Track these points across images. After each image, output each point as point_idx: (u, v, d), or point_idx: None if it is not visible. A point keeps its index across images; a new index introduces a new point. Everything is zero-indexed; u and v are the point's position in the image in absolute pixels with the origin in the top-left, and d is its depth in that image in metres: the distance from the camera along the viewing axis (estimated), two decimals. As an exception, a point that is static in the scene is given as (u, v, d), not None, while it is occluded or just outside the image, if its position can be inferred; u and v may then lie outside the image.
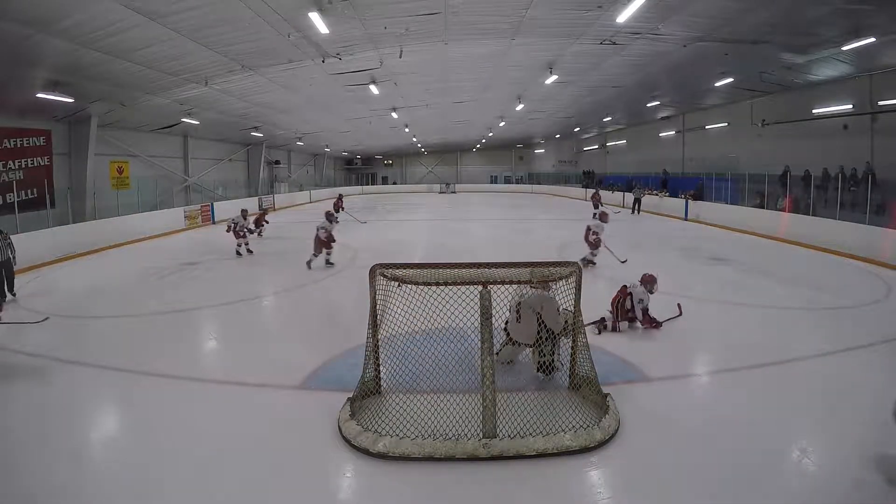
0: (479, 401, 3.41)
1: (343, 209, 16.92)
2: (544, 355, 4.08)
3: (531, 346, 4.15)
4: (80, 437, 3.56)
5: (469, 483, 2.97)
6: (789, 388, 4.17)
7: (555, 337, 4.06)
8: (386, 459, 3.14)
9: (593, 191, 21.42)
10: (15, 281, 7.62)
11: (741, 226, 14.03)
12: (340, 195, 17.97)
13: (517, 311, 4.10)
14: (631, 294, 5.54)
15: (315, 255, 9.37)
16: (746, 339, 5.38)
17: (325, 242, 9.33)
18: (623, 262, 8.66)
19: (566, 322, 4.07)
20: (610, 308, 5.59)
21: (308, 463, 3.19)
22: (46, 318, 6.15)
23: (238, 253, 10.89)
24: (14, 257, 7.62)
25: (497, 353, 4.34)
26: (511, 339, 4.32)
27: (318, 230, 9.31)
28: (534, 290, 4.01)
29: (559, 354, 4.19)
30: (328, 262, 9.52)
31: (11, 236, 7.74)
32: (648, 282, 5.63)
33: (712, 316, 6.37)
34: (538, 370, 4.17)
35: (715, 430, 3.47)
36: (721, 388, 4.31)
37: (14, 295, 7.51)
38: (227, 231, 10.93)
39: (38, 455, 3.27)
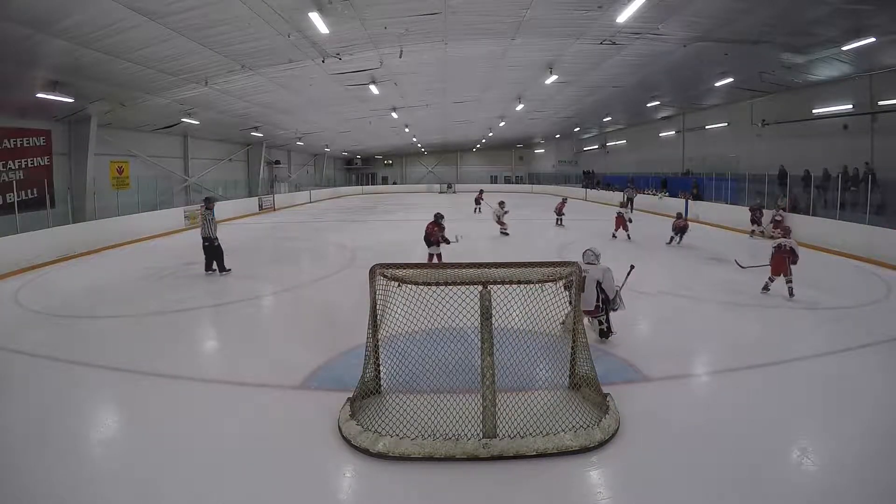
0: (479, 401, 3.41)
1: (483, 200, 20.51)
2: (602, 323, 5.10)
3: (590, 313, 5.04)
4: (79, 437, 3.56)
5: (469, 483, 2.96)
6: (789, 388, 4.17)
7: (608, 303, 5.10)
8: (386, 459, 3.14)
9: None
10: (224, 259, 8.85)
11: (741, 225, 14.03)
12: (481, 190, 22.35)
13: (583, 283, 4.57)
14: (792, 248, 6.93)
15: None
16: (746, 339, 5.39)
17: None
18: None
19: (617, 290, 5.18)
20: (775, 274, 7.04)
21: (308, 463, 3.19)
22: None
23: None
24: (216, 237, 8.74)
25: (562, 322, 4.87)
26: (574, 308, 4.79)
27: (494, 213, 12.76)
28: (590, 265, 5.11)
29: (611, 323, 5.18)
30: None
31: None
32: (789, 231, 7.94)
33: (712, 316, 6.37)
34: (599, 336, 5.13)
35: (715, 430, 3.47)
36: (721, 388, 4.31)
37: (227, 270, 8.82)
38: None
39: (38, 455, 3.26)
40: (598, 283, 5.04)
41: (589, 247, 5.43)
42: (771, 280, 7.18)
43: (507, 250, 11.24)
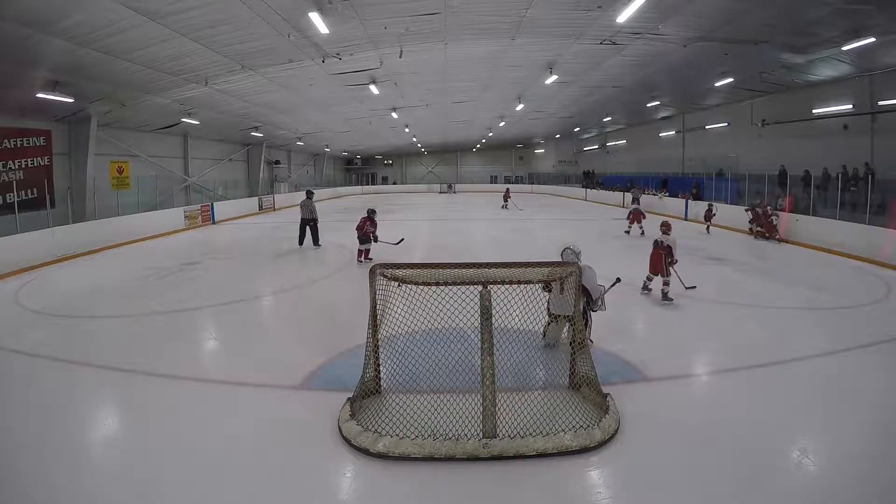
0: (479, 401, 3.41)
1: (510, 198, 22.80)
2: (578, 332, 4.06)
3: (570, 319, 4.20)
4: (79, 437, 3.56)
5: (469, 483, 2.96)
6: (789, 388, 4.17)
7: (589, 307, 4.69)
8: (386, 459, 3.14)
9: (755, 203, 13.47)
10: (318, 236, 11.64)
11: (741, 226, 14.03)
12: (508, 188, 24.53)
13: (560, 285, 4.36)
14: (669, 246, 6.56)
15: (637, 226, 13.12)
16: (746, 339, 5.39)
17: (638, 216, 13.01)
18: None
19: (601, 293, 4.77)
20: (652, 272, 6.74)
21: (308, 463, 3.19)
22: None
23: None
24: (316, 217, 11.52)
25: (543, 335, 4.82)
26: (554, 317, 4.69)
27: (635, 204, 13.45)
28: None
29: (589, 332, 4.71)
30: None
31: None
32: (669, 227, 6.89)
33: (712, 316, 6.37)
34: (570, 345, 4.18)
35: (715, 430, 3.47)
36: (721, 388, 4.31)
37: (319, 245, 11.49)
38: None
39: (38, 455, 3.26)
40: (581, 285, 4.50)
41: (568, 245, 5.04)
42: (649, 279, 6.93)
43: (507, 250, 11.25)
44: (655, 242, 6.78)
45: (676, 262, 6.73)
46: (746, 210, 13.68)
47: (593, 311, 4.82)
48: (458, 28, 10.70)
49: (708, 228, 14.35)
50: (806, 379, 4.39)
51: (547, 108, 22.47)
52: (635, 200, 20.35)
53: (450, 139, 34.63)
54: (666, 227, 6.89)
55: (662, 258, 6.62)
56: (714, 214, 14.25)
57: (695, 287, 6.91)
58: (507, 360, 3.95)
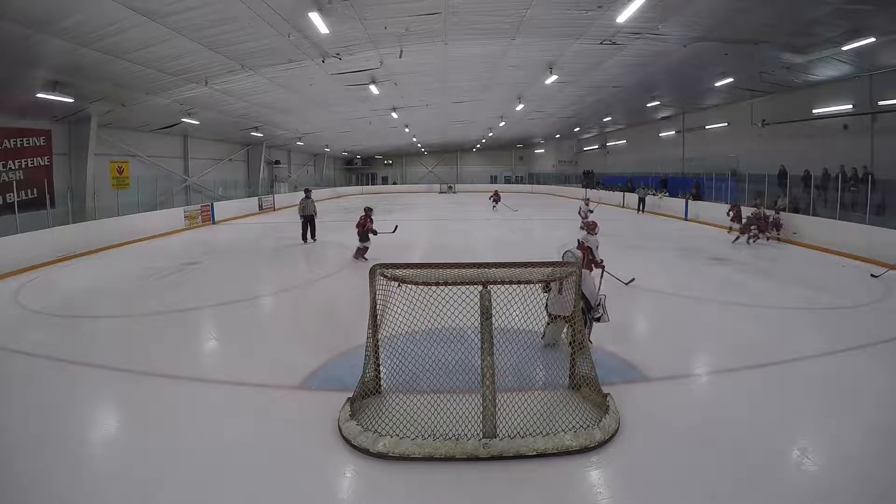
0: (479, 401, 3.41)
1: (500, 200, 23.20)
2: (577, 333, 3.99)
3: (568, 319, 4.22)
4: (79, 437, 3.56)
5: (469, 483, 2.96)
6: (789, 388, 4.17)
7: (588, 311, 4.59)
8: (386, 459, 3.14)
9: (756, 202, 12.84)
10: (316, 231, 12.58)
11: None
12: (496, 191, 24.52)
13: (559, 285, 4.34)
14: (589, 247, 6.39)
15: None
16: (746, 339, 5.39)
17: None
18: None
19: (601, 299, 4.71)
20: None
21: (308, 463, 3.19)
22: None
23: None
24: (316, 213, 12.53)
25: (542, 336, 4.80)
26: (552, 318, 4.66)
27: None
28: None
29: (589, 332, 4.66)
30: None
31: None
32: (593, 227, 6.74)
33: (712, 316, 6.37)
34: (570, 345, 4.18)
35: (715, 430, 3.47)
36: (721, 388, 4.31)
37: (315, 240, 12.38)
38: None
39: (38, 455, 3.26)
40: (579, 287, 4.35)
41: (570, 249, 5.09)
42: None
43: (507, 250, 11.25)
44: (578, 241, 6.78)
45: (602, 261, 6.59)
46: (728, 212, 13.54)
47: (595, 320, 4.76)
48: (458, 28, 10.69)
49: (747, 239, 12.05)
50: (806, 379, 4.39)
51: (547, 108, 22.47)
52: (641, 201, 20.51)
53: (450, 139, 34.63)
54: (590, 228, 6.86)
55: (583, 258, 6.42)
56: (755, 225, 11.99)
57: (634, 280, 6.98)
58: (507, 360, 3.96)
